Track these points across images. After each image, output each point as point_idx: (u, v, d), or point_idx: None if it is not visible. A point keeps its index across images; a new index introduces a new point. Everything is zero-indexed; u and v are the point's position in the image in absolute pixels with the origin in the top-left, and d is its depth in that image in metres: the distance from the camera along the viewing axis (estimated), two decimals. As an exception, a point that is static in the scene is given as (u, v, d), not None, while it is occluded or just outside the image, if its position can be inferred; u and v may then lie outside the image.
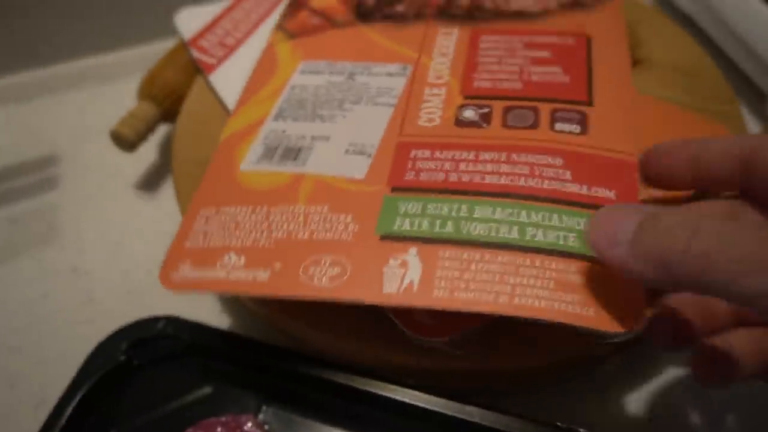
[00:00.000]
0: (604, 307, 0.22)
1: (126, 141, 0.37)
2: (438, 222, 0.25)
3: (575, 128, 0.28)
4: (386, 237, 0.25)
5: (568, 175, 0.26)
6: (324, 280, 0.24)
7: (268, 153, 0.30)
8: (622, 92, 0.30)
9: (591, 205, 0.25)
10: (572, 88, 0.30)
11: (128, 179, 0.42)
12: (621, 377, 0.31)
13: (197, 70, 0.39)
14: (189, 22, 0.41)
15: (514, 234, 0.25)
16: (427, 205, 0.26)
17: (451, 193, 0.26)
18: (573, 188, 0.26)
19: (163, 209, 0.40)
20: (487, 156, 0.27)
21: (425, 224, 0.25)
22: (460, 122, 0.29)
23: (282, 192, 0.28)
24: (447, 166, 0.27)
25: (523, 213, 0.25)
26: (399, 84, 0.32)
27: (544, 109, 0.29)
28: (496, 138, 0.28)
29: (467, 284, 0.23)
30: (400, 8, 0.36)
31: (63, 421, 0.27)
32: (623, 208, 0.21)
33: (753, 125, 0.40)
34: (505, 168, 0.27)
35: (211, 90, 0.37)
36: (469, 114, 0.29)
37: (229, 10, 0.41)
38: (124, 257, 0.38)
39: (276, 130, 0.31)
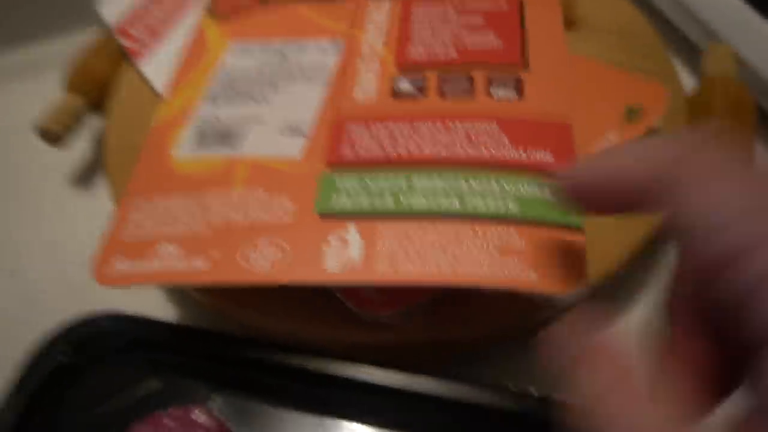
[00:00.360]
0: (546, 270, 0.22)
1: (53, 135, 0.36)
2: (377, 197, 0.25)
3: (511, 94, 0.28)
4: (325, 215, 0.25)
5: (505, 140, 0.26)
6: (264, 264, 0.24)
7: (201, 139, 0.29)
8: (556, 54, 0.30)
9: (529, 167, 0.25)
10: (506, 52, 0.30)
11: (61, 175, 0.40)
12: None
13: (124, 58, 0.37)
14: (112, 8, 0.39)
15: (455, 203, 0.24)
16: (365, 180, 0.25)
17: (389, 166, 0.26)
18: (511, 153, 0.26)
19: (99, 203, 0.38)
20: (423, 127, 0.27)
21: (364, 200, 0.25)
22: (396, 94, 0.29)
23: (217, 177, 0.27)
24: (384, 139, 0.27)
25: (462, 181, 0.25)
26: (332, 60, 0.31)
27: (479, 75, 0.29)
28: (433, 108, 0.28)
29: (409, 257, 0.23)
30: (330, -18, 0.35)
31: (5, 421, 0.26)
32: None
33: (689, 81, 0.41)
34: (442, 137, 0.26)
35: (141, 77, 0.36)
36: (405, 86, 0.29)
37: (155, -7, 0.40)
38: (62, 255, 0.36)
39: (208, 115, 0.30)
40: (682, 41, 0.42)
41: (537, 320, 0.27)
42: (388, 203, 0.25)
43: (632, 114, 0.29)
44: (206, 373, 0.28)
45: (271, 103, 0.30)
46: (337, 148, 0.27)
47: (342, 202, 0.25)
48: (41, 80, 0.43)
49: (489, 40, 0.30)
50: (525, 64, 0.29)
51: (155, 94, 0.34)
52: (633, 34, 0.36)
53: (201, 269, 0.24)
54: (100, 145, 0.41)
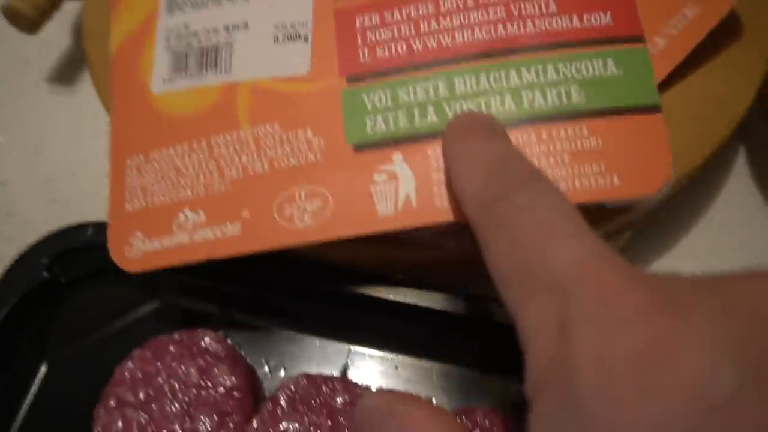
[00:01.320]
0: (629, 169, 0.20)
1: (24, 18, 0.30)
2: (416, 111, 0.21)
3: (547, -65, 0.22)
4: (361, 146, 0.21)
5: (552, 6, 0.21)
6: (306, 219, 0.21)
7: (179, 62, 0.23)
8: None
9: (587, 41, 0.21)
10: None
11: (38, 70, 0.35)
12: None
13: None
14: None
15: (509, 104, 0.21)
16: (398, 91, 0.21)
17: (421, 68, 0.21)
18: (562, 23, 0.21)
19: (84, 103, 0.34)
20: (449, 4, 0.22)
21: (402, 118, 0.21)
22: (403, -39, 0.23)
23: (216, 114, 0.22)
24: (405, 30, 0.22)
25: (513, 73, 0.21)
26: None
27: None
28: (455, -26, 0.22)
29: (471, 182, 0.20)
30: None
31: None
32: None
33: None
34: (475, 16, 0.22)
35: None
36: (412, -54, 0.23)
37: None
38: (44, 162, 0.33)
39: (176, 27, 0.24)
40: None
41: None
42: (432, 118, 0.21)
43: None
44: (211, 292, 0.26)
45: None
46: (351, 53, 0.22)
47: (378, 126, 0.21)
48: None
49: None
50: None
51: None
52: None
53: (234, 235, 0.21)
54: (78, 33, 0.35)
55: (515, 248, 0.15)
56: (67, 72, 0.35)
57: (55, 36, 0.34)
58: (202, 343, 0.24)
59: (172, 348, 0.23)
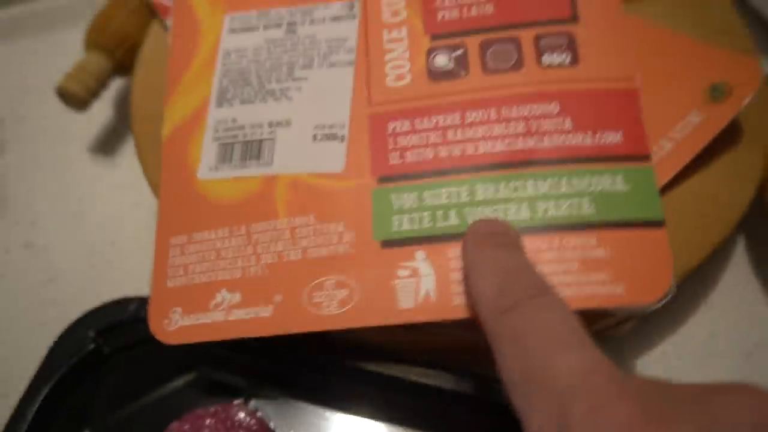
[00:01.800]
0: (632, 279, 0.21)
1: (75, 98, 0.33)
2: (440, 214, 0.23)
3: (565, 58, 0.25)
4: (388, 243, 0.23)
5: (568, 123, 0.24)
6: (333, 307, 0.22)
7: (225, 153, 0.26)
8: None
9: (599, 157, 0.23)
10: (552, 2, 0.26)
11: (82, 141, 0.37)
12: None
13: (152, 14, 0.33)
14: None
15: (525, 213, 0.22)
16: (423, 194, 0.23)
17: (446, 173, 0.23)
18: (577, 139, 0.23)
19: (124, 174, 0.36)
20: (474, 116, 0.24)
21: (426, 219, 0.23)
22: (433, 74, 0.25)
23: (256, 202, 0.25)
24: (433, 138, 0.24)
25: (530, 184, 0.23)
26: (351, 31, 0.27)
27: (526, 37, 0.25)
28: (480, 89, 0.25)
29: (487, 283, 0.22)
30: None
31: (28, 419, 0.25)
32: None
33: (765, 64, 0.35)
34: (498, 129, 0.24)
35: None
36: (443, 61, 0.25)
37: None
38: (85, 229, 0.34)
39: (225, 120, 0.26)
40: (757, 20, 0.36)
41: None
42: (453, 220, 0.23)
43: (718, 92, 0.26)
44: (245, 366, 0.27)
45: (294, 98, 0.26)
46: (383, 155, 0.24)
47: (404, 225, 0.23)
48: (62, 35, 0.40)
49: (529, -14, 0.26)
50: (574, 14, 0.25)
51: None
52: (709, 7, 0.31)
53: (266, 317, 0.23)
54: (124, 109, 0.38)
55: (523, 357, 0.17)
56: (108, 143, 0.37)
57: (97, 108, 0.36)
58: (237, 418, 0.25)
59: (208, 421, 0.25)
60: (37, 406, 0.25)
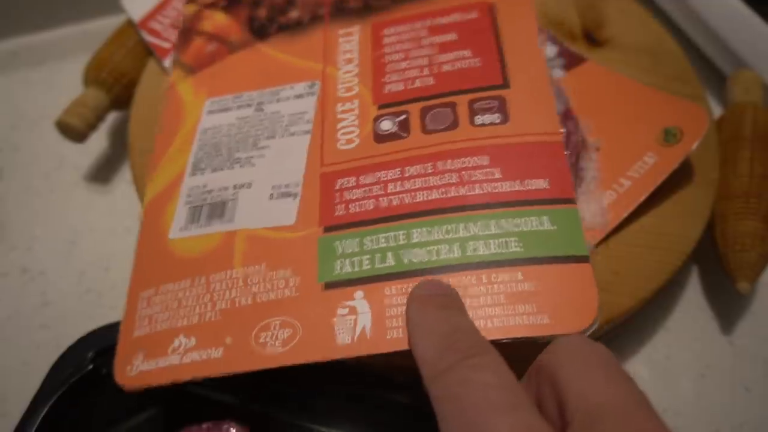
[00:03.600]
0: (558, 310, 0.22)
1: (75, 131, 0.35)
2: (378, 257, 0.25)
3: (496, 118, 0.27)
4: (330, 284, 0.24)
5: (497, 173, 0.26)
6: (277, 345, 0.24)
7: (194, 214, 0.28)
8: (535, 64, 0.29)
9: (526, 201, 0.25)
10: (486, 72, 0.29)
11: (78, 170, 0.39)
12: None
13: (148, 53, 0.37)
14: (136, 0, 0.39)
15: (456, 252, 0.24)
16: (364, 240, 0.25)
17: (385, 220, 0.25)
18: (505, 187, 0.25)
19: (118, 202, 0.38)
20: (413, 170, 0.26)
21: (366, 262, 0.25)
22: (379, 137, 0.28)
23: (216, 256, 0.27)
24: (375, 190, 0.26)
25: (461, 227, 0.25)
26: (310, 106, 0.30)
27: (462, 102, 0.28)
28: (419, 147, 0.27)
29: (419, 318, 0.23)
30: (293, 14, 0.34)
31: None
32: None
33: (714, 108, 0.39)
34: (433, 180, 0.26)
35: (167, 74, 0.35)
36: (387, 125, 0.28)
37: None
38: (79, 256, 0.36)
39: (196, 186, 0.29)
40: (707, 66, 0.41)
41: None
42: (390, 262, 0.24)
43: (670, 136, 0.28)
44: (238, 384, 0.26)
45: (257, 165, 0.29)
46: (330, 208, 0.26)
47: (345, 268, 0.25)
48: (58, 68, 0.42)
49: (466, 59, 0.29)
50: (506, 82, 0.28)
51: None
52: (663, 56, 0.35)
53: (216, 358, 0.24)
54: (117, 140, 0.40)
55: (460, 419, 0.17)
56: (102, 172, 0.39)
57: (92, 139, 0.37)
58: None
59: None
60: (38, 422, 0.26)
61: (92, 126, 0.36)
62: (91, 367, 0.27)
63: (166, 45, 0.36)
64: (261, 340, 0.24)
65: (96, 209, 0.38)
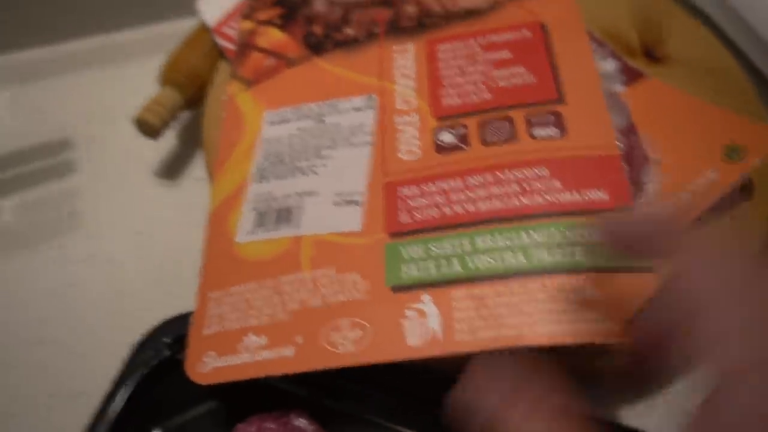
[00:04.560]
0: (622, 318, 0.23)
1: (152, 128, 0.37)
2: (443, 262, 0.26)
3: (553, 132, 0.28)
4: (397, 288, 0.26)
5: (557, 184, 0.27)
6: (348, 345, 0.25)
7: (261, 219, 0.30)
8: (590, 78, 0.30)
9: (587, 211, 0.26)
10: (541, 88, 0.30)
11: (149, 165, 0.41)
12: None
13: (221, 56, 0.39)
14: (211, 6, 0.41)
15: (521, 259, 0.25)
16: (429, 246, 0.26)
17: (449, 228, 0.27)
18: (566, 197, 0.26)
19: (187, 197, 0.39)
20: (474, 180, 0.28)
21: (432, 267, 0.26)
22: (440, 148, 0.29)
23: (284, 259, 0.28)
24: (438, 199, 0.28)
25: (524, 234, 0.26)
26: (369, 118, 0.32)
27: (519, 116, 0.29)
28: (479, 159, 0.28)
29: (486, 321, 0.24)
30: (349, 32, 0.36)
31: (110, 417, 0.27)
32: None
33: None
34: (495, 190, 0.27)
35: None
36: (447, 137, 0.29)
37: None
38: (150, 247, 0.37)
39: (262, 193, 0.31)
40: (763, 83, 0.41)
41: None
42: (456, 267, 0.25)
43: (733, 153, 0.30)
44: (307, 376, 0.27)
45: (320, 173, 0.30)
46: (395, 216, 0.28)
47: (412, 272, 0.26)
48: (133, 66, 0.45)
49: (521, 76, 0.31)
50: (561, 97, 0.29)
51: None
52: (723, 73, 0.36)
53: (288, 357, 0.25)
54: (187, 137, 0.42)
55: None
56: (173, 168, 0.41)
57: (165, 136, 0.40)
58: (297, 423, 0.27)
59: (271, 425, 0.27)
60: (118, 404, 0.27)
61: (167, 124, 0.38)
62: (168, 353, 0.29)
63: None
64: (332, 340, 0.25)
65: (165, 203, 0.39)
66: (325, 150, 0.31)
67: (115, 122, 0.41)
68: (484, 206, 0.27)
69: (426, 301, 0.25)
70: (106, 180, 0.41)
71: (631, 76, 0.33)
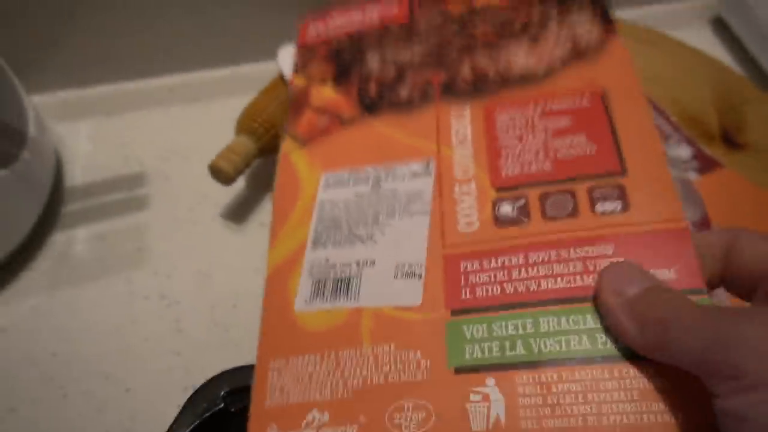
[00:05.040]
0: (687, 409, 0.23)
1: (225, 176, 0.38)
2: (507, 344, 0.26)
3: (617, 206, 0.28)
4: (460, 369, 0.26)
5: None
6: (412, 428, 0.25)
7: (318, 288, 0.30)
8: (652, 148, 0.30)
9: (653, 294, 0.25)
10: (603, 159, 0.30)
11: (217, 206, 0.42)
12: None
13: None
14: (290, 56, 0.42)
15: (585, 344, 0.25)
16: (492, 326, 0.26)
17: (511, 307, 0.26)
18: (630, 278, 0.26)
19: (250, 242, 0.40)
20: (536, 257, 0.27)
21: (495, 349, 0.26)
22: (499, 221, 0.29)
23: (344, 332, 0.28)
24: (500, 276, 0.27)
25: (589, 318, 0.25)
26: (427, 186, 0.32)
27: (581, 189, 0.29)
28: (540, 234, 0.28)
29: (551, 409, 0.24)
30: (403, 93, 0.36)
31: None
32: (631, 267, 0.25)
33: None
34: (558, 268, 0.27)
35: None
36: (507, 210, 0.29)
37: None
38: (211, 288, 0.38)
39: (319, 259, 0.31)
40: None
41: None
42: (520, 351, 0.25)
43: None
44: None
45: (379, 242, 0.31)
46: (455, 291, 0.28)
47: (475, 353, 0.26)
48: (209, 106, 0.46)
49: (581, 145, 0.30)
50: (623, 168, 0.29)
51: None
52: None
53: (352, 437, 0.25)
54: (256, 184, 0.43)
55: None
56: (239, 212, 0.42)
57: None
58: None
59: None
60: None
61: (240, 172, 0.39)
62: (222, 405, 0.29)
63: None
64: (396, 421, 0.25)
65: (229, 246, 0.40)
66: (383, 218, 0.31)
67: (190, 160, 0.43)
68: (546, 285, 0.27)
69: (490, 384, 0.25)
70: (176, 218, 0.42)
71: (705, 164, 0.32)
